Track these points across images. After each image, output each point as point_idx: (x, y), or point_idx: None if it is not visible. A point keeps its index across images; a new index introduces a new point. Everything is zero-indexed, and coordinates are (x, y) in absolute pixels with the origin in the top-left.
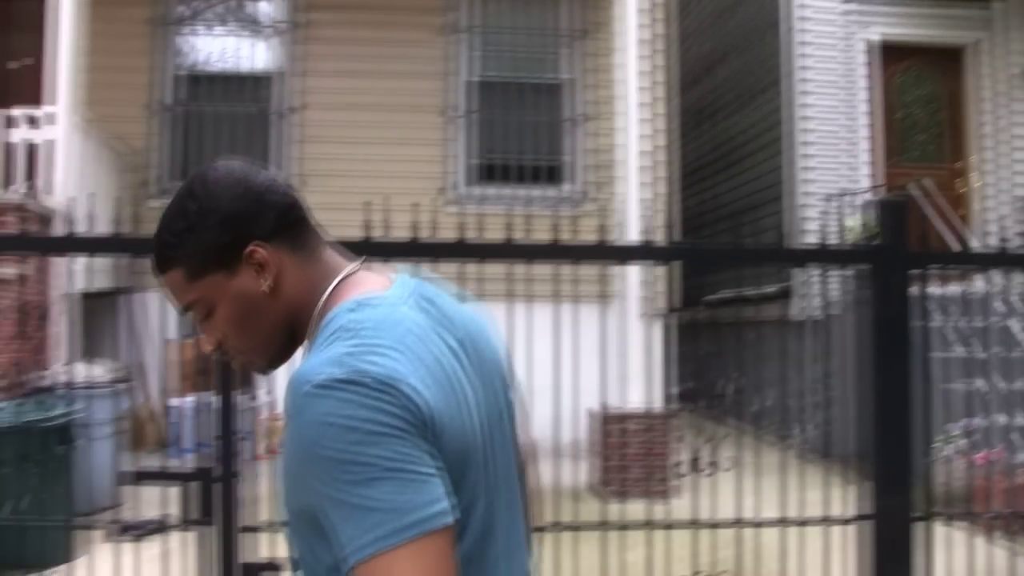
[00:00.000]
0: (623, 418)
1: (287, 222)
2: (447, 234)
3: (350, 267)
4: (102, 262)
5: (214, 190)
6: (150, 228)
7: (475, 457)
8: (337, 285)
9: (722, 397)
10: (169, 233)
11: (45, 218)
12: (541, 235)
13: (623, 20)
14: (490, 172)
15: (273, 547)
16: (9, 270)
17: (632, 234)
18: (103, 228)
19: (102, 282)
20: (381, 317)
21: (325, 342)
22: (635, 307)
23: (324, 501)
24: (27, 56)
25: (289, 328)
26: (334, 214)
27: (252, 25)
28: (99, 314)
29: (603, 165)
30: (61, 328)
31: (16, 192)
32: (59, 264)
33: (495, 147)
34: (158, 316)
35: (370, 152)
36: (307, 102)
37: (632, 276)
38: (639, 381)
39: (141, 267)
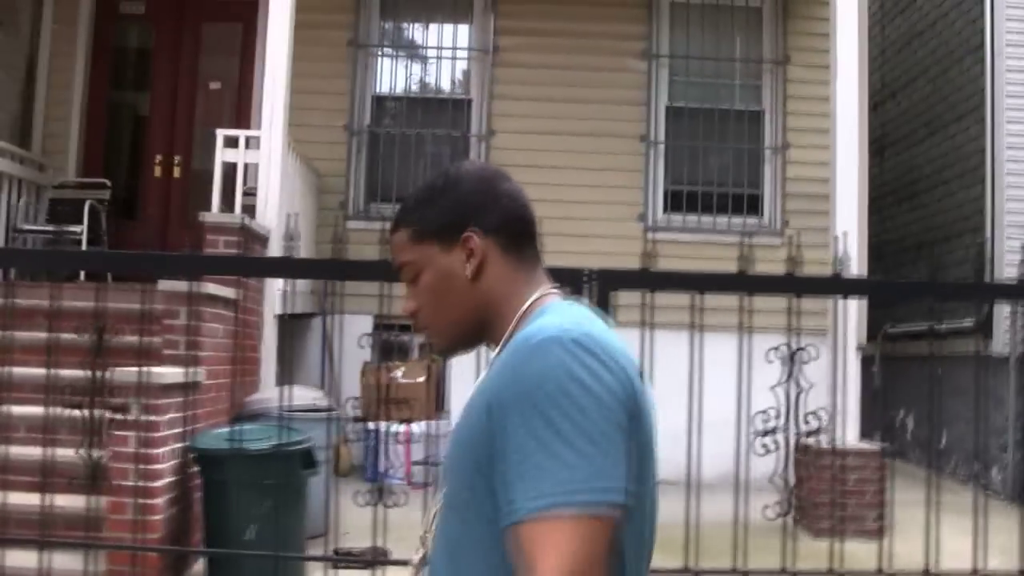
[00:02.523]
0: (838, 454)
1: (511, 227)
2: (644, 260)
3: (552, 287)
4: (299, 285)
5: (462, 176)
6: (353, 250)
7: (652, 462)
8: (539, 297)
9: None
10: (413, 200)
11: (260, 239)
12: (734, 265)
13: (837, 46)
14: (687, 200)
15: None
16: (228, 290)
17: (852, 267)
18: (308, 250)
19: (298, 304)
20: (592, 317)
21: (544, 316)
22: (852, 341)
23: (514, 446)
24: (223, 78)
25: (479, 320)
26: None
27: (447, 50)
28: (294, 337)
29: (799, 195)
30: (269, 351)
31: (233, 214)
32: (269, 286)
33: (693, 175)
34: (354, 340)
35: (563, 178)
36: (500, 127)
37: (851, 309)
38: (854, 417)
39: (342, 289)
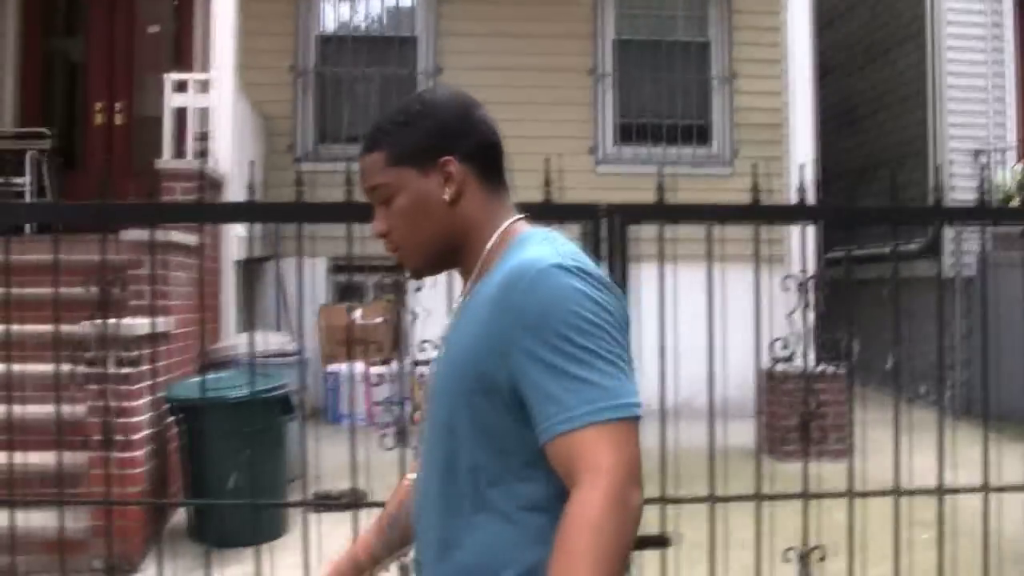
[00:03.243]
0: (790, 378)
1: (485, 154)
2: (597, 194)
3: (520, 215)
4: (254, 230)
5: (438, 101)
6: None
7: None
8: (511, 225)
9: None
10: (388, 122)
11: (214, 184)
12: (689, 195)
13: None
14: (637, 132)
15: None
16: (191, 237)
17: (795, 194)
18: (258, 193)
19: (253, 250)
20: (575, 245)
21: (532, 245)
22: (809, 267)
23: (538, 369)
24: (161, 21)
25: (452, 244)
26: None
27: None
28: (250, 283)
29: (748, 124)
30: (230, 298)
31: (187, 159)
32: (227, 232)
33: (642, 107)
34: (309, 283)
35: (512, 113)
36: (450, 64)
37: (795, 236)
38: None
39: (294, 233)
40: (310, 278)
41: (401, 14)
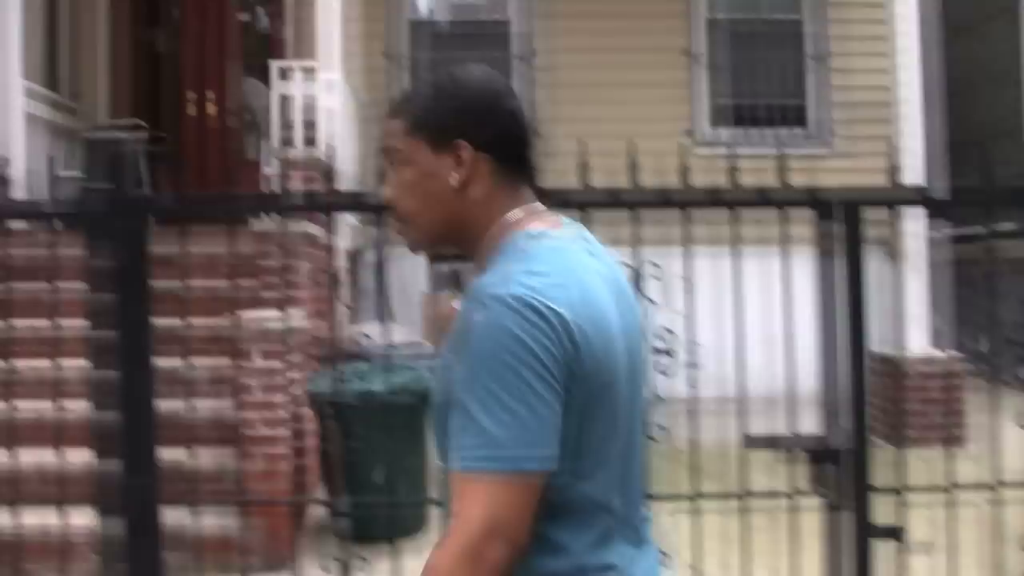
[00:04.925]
0: (911, 364)
1: (504, 145)
2: (696, 177)
3: (533, 205)
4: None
5: (471, 83)
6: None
7: (617, 392)
8: (519, 216)
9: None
10: (418, 94)
11: (327, 174)
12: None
13: None
14: (733, 113)
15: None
16: (316, 229)
17: (914, 176)
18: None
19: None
20: (553, 248)
21: (504, 259)
22: (919, 251)
23: (461, 398)
24: (251, 10)
25: (453, 229)
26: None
27: None
28: (352, 272)
29: (845, 103)
30: (344, 288)
31: (299, 149)
32: (340, 222)
33: (738, 88)
34: (411, 272)
35: (610, 95)
36: (544, 47)
37: (913, 220)
38: (922, 325)
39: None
40: (411, 267)
41: None
